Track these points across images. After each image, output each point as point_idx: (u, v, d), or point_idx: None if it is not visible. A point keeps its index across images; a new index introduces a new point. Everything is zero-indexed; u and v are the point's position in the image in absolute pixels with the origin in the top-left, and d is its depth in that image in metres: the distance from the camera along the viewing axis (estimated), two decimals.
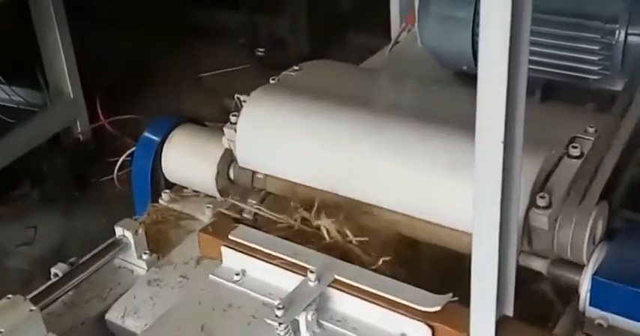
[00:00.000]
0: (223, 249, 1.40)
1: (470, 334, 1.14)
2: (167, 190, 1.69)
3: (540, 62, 1.48)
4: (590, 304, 1.20)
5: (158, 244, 1.55)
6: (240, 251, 1.38)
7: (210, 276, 1.39)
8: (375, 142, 1.42)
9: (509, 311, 1.15)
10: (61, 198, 2.84)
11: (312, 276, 1.27)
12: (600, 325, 1.19)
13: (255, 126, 1.53)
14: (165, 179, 1.70)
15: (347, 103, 1.51)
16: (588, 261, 1.24)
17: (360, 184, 1.43)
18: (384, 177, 1.40)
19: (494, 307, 1.10)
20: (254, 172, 1.57)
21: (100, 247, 1.48)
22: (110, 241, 1.49)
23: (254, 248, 1.37)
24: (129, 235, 1.47)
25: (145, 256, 1.49)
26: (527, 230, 1.25)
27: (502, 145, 0.97)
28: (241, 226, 1.45)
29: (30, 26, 2.89)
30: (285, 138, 1.50)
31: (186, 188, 1.70)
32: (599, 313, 1.19)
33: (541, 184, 1.26)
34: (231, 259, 1.40)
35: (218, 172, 1.59)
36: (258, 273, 1.37)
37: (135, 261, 1.49)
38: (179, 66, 3.66)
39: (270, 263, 1.34)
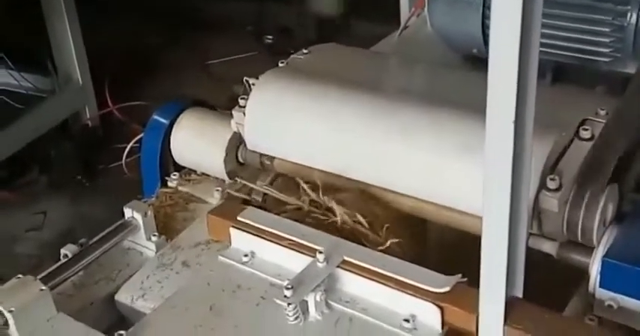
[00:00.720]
0: (232, 230, 1.40)
1: (479, 315, 1.14)
2: (176, 173, 1.69)
3: (551, 44, 1.47)
4: (600, 286, 1.19)
5: (167, 227, 1.55)
6: (248, 232, 1.38)
7: (219, 257, 1.39)
8: (384, 125, 1.41)
9: (519, 292, 1.15)
10: (69, 184, 2.86)
11: (320, 257, 1.27)
12: (610, 306, 1.19)
13: (264, 109, 1.53)
14: (174, 162, 1.70)
15: (356, 86, 1.50)
16: (598, 243, 1.23)
17: (370, 167, 1.43)
18: (394, 160, 1.39)
19: (504, 288, 1.09)
20: (262, 155, 1.57)
21: (109, 229, 1.48)
22: (119, 222, 1.49)
23: (263, 230, 1.37)
24: (138, 216, 1.47)
25: (153, 238, 1.49)
26: (537, 212, 1.24)
27: (513, 125, 0.97)
28: (250, 207, 1.45)
29: (39, 12, 2.89)
30: (293, 121, 1.50)
31: (195, 171, 1.70)
32: (610, 294, 1.19)
33: (551, 167, 1.25)
34: (240, 240, 1.40)
35: (227, 155, 1.60)
36: (266, 254, 1.37)
37: (144, 242, 1.49)
38: (187, 53, 3.67)
39: (279, 244, 1.34)
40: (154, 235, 1.49)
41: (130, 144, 2.47)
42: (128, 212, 1.49)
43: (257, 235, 1.37)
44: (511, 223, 1.05)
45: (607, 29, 1.45)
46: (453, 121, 1.37)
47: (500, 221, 1.05)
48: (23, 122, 2.82)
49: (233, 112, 1.56)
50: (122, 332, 1.26)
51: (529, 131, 1.01)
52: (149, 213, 1.48)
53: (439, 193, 1.36)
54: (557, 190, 1.22)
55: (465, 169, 1.30)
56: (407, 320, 1.21)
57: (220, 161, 1.60)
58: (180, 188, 1.67)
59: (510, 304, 1.12)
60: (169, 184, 1.68)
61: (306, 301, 1.24)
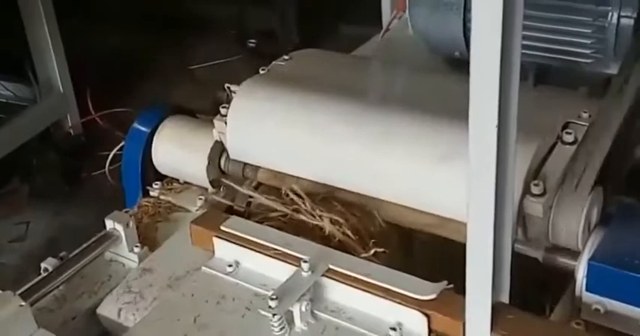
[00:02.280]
0: (215, 240, 1.39)
1: (465, 322, 1.13)
2: (158, 182, 1.67)
3: (532, 46, 1.46)
4: (587, 290, 1.19)
5: (149, 237, 1.53)
6: (232, 242, 1.37)
7: (203, 268, 1.37)
8: (366, 132, 1.40)
9: (505, 298, 1.14)
10: (52, 193, 2.82)
11: (305, 266, 1.26)
12: (597, 310, 1.18)
13: (245, 118, 1.51)
14: (156, 171, 1.68)
15: (337, 93, 1.49)
16: (584, 246, 1.23)
17: (352, 174, 1.42)
18: (376, 167, 1.38)
19: (490, 294, 1.09)
20: (245, 164, 1.55)
21: (90, 241, 1.46)
22: (101, 234, 1.47)
23: (246, 239, 1.36)
24: (120, 228, 1.45)
25: (136, 249, 1.47)
26: (522, 218, 1.24)
27: (496, 129, 0.96)
28: (233, 217, 1.44)
29: (18, 20, 2.86)
30: (275, 129, 1.48)
31: (177, 180, 1.69)
32: (596, 298, 1.18)
33: (535, 171, 1.25)
34: (224, 250, 1.38)
35: (209, 163, 1.58)
36: (251, 264, 1.35)
37: (126, 254, 1.47)
38: (170, 58, 3.64)
39: (263, 254, 1.33)
40: (137, 247, 1.47)
41: (113, 151, 2.44)
42: (109, 223, 1.47)
43: (241, 245, 1.36)
44: (496, 228, 1.04)
45: (588, 30, 1.44)
46: (435, 126, 1.36)
47: (485, 227, 1.04)
48: (4, 131, 2.78)
49: (214, 121, 1.54)
50: None
51: (512, 136, 1.00)
52: (131, 224, 1.46)
53: (421, 198, 1.35)
54: (541, 195, 1.21)
55: (448, 174, 1.29)
56: (393, 328, 1.19)
57: (203, 170, 1.58)
58: (162, 197, 1.64)
59: (497, 310, 1.11)
60: (151, 193, 1.66)
61: (292, 312, 1.23)
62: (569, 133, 1.28)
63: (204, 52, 3.64)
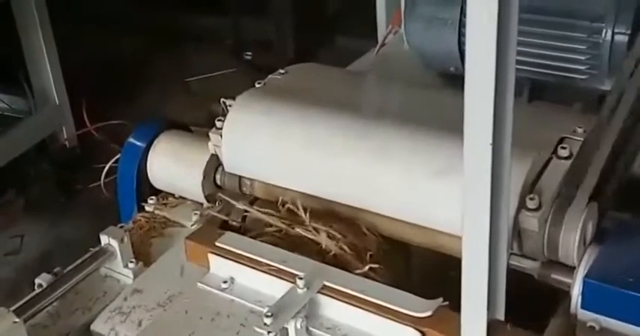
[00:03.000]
0: (210, 256, 1.38)
1: None
2: (153, 197, 1.67)
3: (527, 62, 1.47)
4: (582, 307, 1.18)
5: (144, 252, 1.53)
6: (227, 258, 1.36)
7: (198, 284, 1.37)
8: (361, 146, 1.40)
9: (501, 315, 1.14)
10: (47, 205, 2.81)
11: (300, 282, 1.25)
12: (592, 327, 1.18)
13: (241, 132, 1.51)
14: (151, 186, 1.68)
15: (333, 107, 1.49)
16: (579, 263, 1.22)
17: (347, 189, 1.41)
18: (371, 182, 1.38)
19: (485, 311, 1.09)
20: (241, 177, 1.55)
21: (84, 257, 1.45)
22: (95, 249, 1.47)
23: (242, 255, 1.36)
24: (114, 243, 1.45)
25: (131, 265, 1.46)
26: (517, 232, 1.24)
27: (491, 147, 0.96)
28: (228, 232, 1.43)
29: (13, 31, 2.86)
30: (270, 143, 1.48)
31: (172, 195, 1.68)
32: (591, 315, 1.18)
33: (530, 186, 1.25)
34: (219, 266, 1.38)
35: (204, 178, 1.58)
36: (246, 280, 1.35)
37: (121, 270, 1.47)
38: (166, 70, 3.64)
39: (259, 270, 1.33)
40: (131, 262, 1.47)
41: (109, 164, 2.44)
42: (104, 239, 1.46)
43: (236, 261, 1.35)
44: (491, 244, 1.04)
45: (582, 46, 1.45)
46: (430, 142, 1.36)
47: (480, 243, 1.04)
48: None
49: (210, 134, 1.54)
50: None
51: (507, 152, 1.00)
52: (125, 239, 1.46)
53: (417, 213, 1.35)
54: (536, 209, 1.21)
55: (443, 190, 1.29)
56: None
57: (198, 184, 1.58)
58: (157, 212, 1.64)
59: (492, 327, 1.11)
60: (146, 208, 1.66)
61: (287, 329, 1.22)
62: (564, 148, 1.29)
63: (200, 64, 3.64)
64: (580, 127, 1.33)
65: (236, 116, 1.52)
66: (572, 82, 1.50)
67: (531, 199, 1.21)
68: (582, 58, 1.45)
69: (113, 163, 2.40)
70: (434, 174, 1.31)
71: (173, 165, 1.63)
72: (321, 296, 1.26)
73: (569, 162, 1.27)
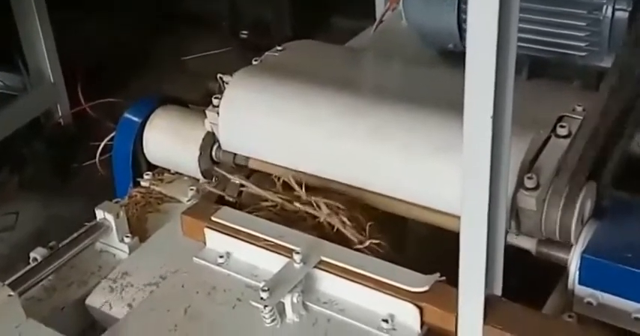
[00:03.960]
0: (207, 231, 1.38)
1: (458, 315, 1.13)
2: (149, 172, 1.66)
3: (526, 39, 1.45)
4: (580, 283, 1.19)
5: (139, 227, 1.52)
6: (223, 233, 1.36)
7: (194, 259, 1.37)
8: (358, 123, 1.39)
9: (498, 291, 1.14)
10: (42, 183, 2.80)
11: (297, 257, 1.25)
12: (590, 303, 1.18)
13: (237, 109, 1.50)
14: (147, 161, 1.67)
15: (330, 84, 1.48)
16: (577, 239, 1.22)
17: (344, 166, 1.41)
18: (368, 159, 1.38)
19: (483, 287, 1.08)
20: (237, 155, 1.54)
21: (80, 231, 1.45)
22: (91, 224, 1.46)
23: (238, 230, 1.35)
24: (110, 218, 1.45)
25: (126, 240, 1.46)
26: (515, 211, 1.23)
27: (491, 120, 0.95)
28: (225, 207, 1.43)
29: (9, 9, 2.83)
30: (267, 120, 1.47)
31: (168, 170, 1.67)
32: (589, 291, 1.18)
33: (529, 165, 1.24)
34: (215, 241, 1.37)
35: (201, 154, 1.57)
36: (242, 255, 1.35)
37: (116, 244, 1.46)
38: (162, 49, 3.62)
39: (255, 245, 1.32)
40: (127, 237, 1.46)
41: (104, 142, 2.42)
42: (100, 213, 1.46)
43: (232, 236, 1.35)
44: (490, 220, 1.04)
45: (582, 23, 1.44)
46: (428, 119, 1.35)
47: (478, 218, 1.04)
48: None
49: (207, 111, 1.53)
50: None
51: (507, 125, 0.99)
52: (121, 214, 1.46)
53: (416, 191, 1.34)
54: (534, 188, 1.21)
55: (441, 167, 1.29)
56: (385, 320, 1.19)
57: (194, 160, 1.57)
58: (153, 188, 1.63)
59: (489, 302, 1.11)
60: (142, 183, 1.65)
61: (283, 303, 1.22)
62: (563, 127, 1.28)
63: (196, 43, 3.61)
64: (579, 105, 1.32)
65: (233, 94, 1.50)
66: (571, 60, 1.49)
67: (529, 178, 1.21)
68: (582, 34, 1.44)
69: (108, 141, 2.39)
70: (433, 151, 1.30)
71: (169, 140, 1.62)
72: (317, 271, 1.26)
73: (567, 140, 1.27)
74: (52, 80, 2.95)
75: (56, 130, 2.99)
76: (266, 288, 1.20)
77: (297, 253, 1.25)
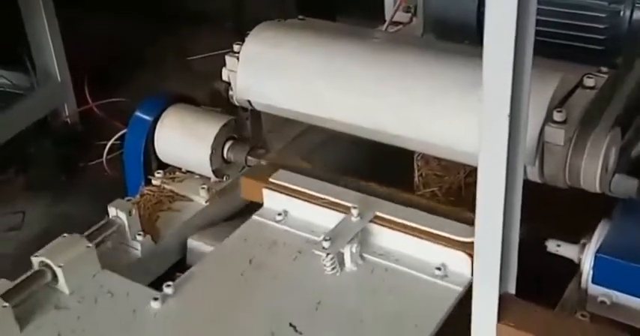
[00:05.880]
0: (265, 191, 1.44)
1: (472, 313, 1.13)
2: (160, 171, 1.66)
3: (544, 32, 1.44)
4: (593, 282, 1.19)
5: (151, 225, 1.53)
6: (281, 192, 1.42)
7: (254, 216, 1.43)
8: (380, 68, 1.39)
9: (512, 289, 1.14)
10: (48, 182, 2.80)
11: (354, 212, 1.31)
12: (603, 302, 1.18)
13: (259, 55, 1.50)
14: (158, 160, 1.67)
15: (350, 37, 1.50)
16: (591, 238, 1.22)
17: (367, 111, 1.39)
18: (392, 103, 1.37)
19: (497, 286, 1.09)
20: (248, 153, 1.56)
21: (94, 227, 1.44)
22: (103, 222, 1.46)
23: (295, 190, 1.41)
24: (122, 215, 1.45)
25: (139, 238, 1.46)
26: (541, 151, 1.21)
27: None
28: (281, 170, 1.47)
29: (16, 8, 2.84)
30: (288, 67, 1.47)
31: (179, 169, 1.67)
32: (602, 290, 1.18)
33: (559, 102, 1.22)
34: (273, 200, 1.44)
35: (212, 152, 1.57)
36: (299, 213, 1.41)
37: (129, 242, 1.47)
38: (167, 49, 3.61)
39: (312, 203, 1.38)
40: (139, 235, 1.46)
41: (111, 141, 2.43)
42: (112, 211, 1.46)
43: (290, 195, 1.41)
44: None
45: (603, 15, 1.43)
46: (448, 62, 1.35)
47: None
48: (0, 119, 2.76)
49: (226, 57, 1.54)
50: (170, 283, 1.29)
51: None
52: (134, 212, 1.46)
53: (438, 133, 1.32)
54: (563, 122, 1.19)
55: (463, 107, 1.27)
56: (438, 268, 1.26)
57: (206, 159, 1.57)
58: (164, 186, 1.64)
59: (504, 300, 1.12)
60: (153, 182, 1.65)
61: (342, 253, 1.29)
62: (590, 78, 1.27)
63: (201, 43, 3.61)
64: (604, 68, 1.31)
65: (255, 40, 1.51)
66: (589, 53, 1.48)
67: (559, 111, 1.18)
68: (601, 27, 1.44)
69: (115, 140, 2.39)
70: (453, 94, 1.29)
71: (181, 139, 1.62)
72: (373, 225, 1.32)
73: (594, 91, 1.26)
74: (59, 79, 2.95)
75: (63, 129, 2.98)
76: (327, 237, 1.26)
77: (355, 207, 1.31)
